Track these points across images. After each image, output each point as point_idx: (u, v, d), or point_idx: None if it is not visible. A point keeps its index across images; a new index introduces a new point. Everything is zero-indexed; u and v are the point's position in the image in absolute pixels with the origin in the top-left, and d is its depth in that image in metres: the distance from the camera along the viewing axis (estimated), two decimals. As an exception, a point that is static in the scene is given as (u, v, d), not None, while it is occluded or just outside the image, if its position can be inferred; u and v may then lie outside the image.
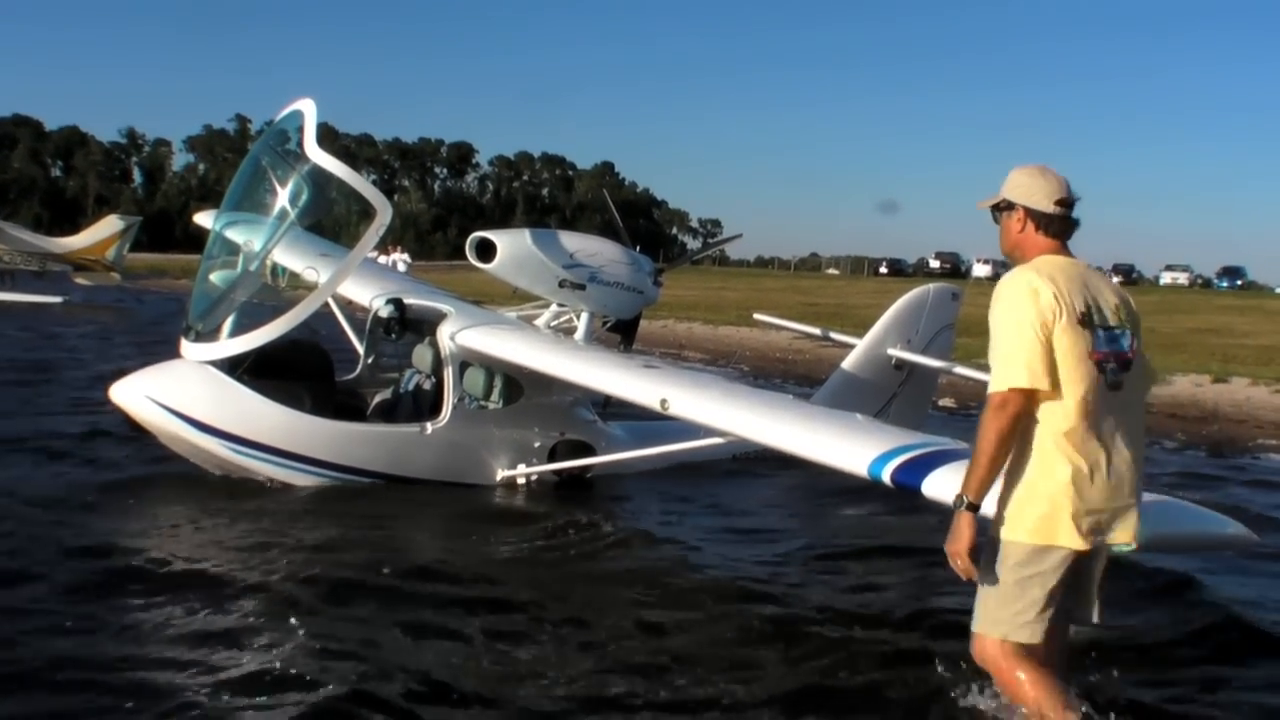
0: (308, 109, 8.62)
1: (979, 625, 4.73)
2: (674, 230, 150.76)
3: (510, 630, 6.22)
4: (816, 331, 14.02)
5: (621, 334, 10.48)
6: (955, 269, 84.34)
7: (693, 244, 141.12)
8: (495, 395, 9.30)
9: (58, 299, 29.53)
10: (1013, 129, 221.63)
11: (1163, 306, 45.08)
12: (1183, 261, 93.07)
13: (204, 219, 11.28)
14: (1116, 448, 4.62)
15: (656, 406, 7.88)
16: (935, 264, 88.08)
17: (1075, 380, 4.53)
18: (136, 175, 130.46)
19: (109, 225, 37.78)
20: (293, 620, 6.04)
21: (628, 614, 6.55)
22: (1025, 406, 4.52)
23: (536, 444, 9.53)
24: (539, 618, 6.44)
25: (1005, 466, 4.62)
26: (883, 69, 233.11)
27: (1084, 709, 4.73)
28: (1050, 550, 4.56)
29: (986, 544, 4.70)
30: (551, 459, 9.48)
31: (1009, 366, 4.53)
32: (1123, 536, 4.62)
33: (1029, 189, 4.82)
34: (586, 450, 9.68)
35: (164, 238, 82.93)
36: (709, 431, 8.19)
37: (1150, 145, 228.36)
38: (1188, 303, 49.45)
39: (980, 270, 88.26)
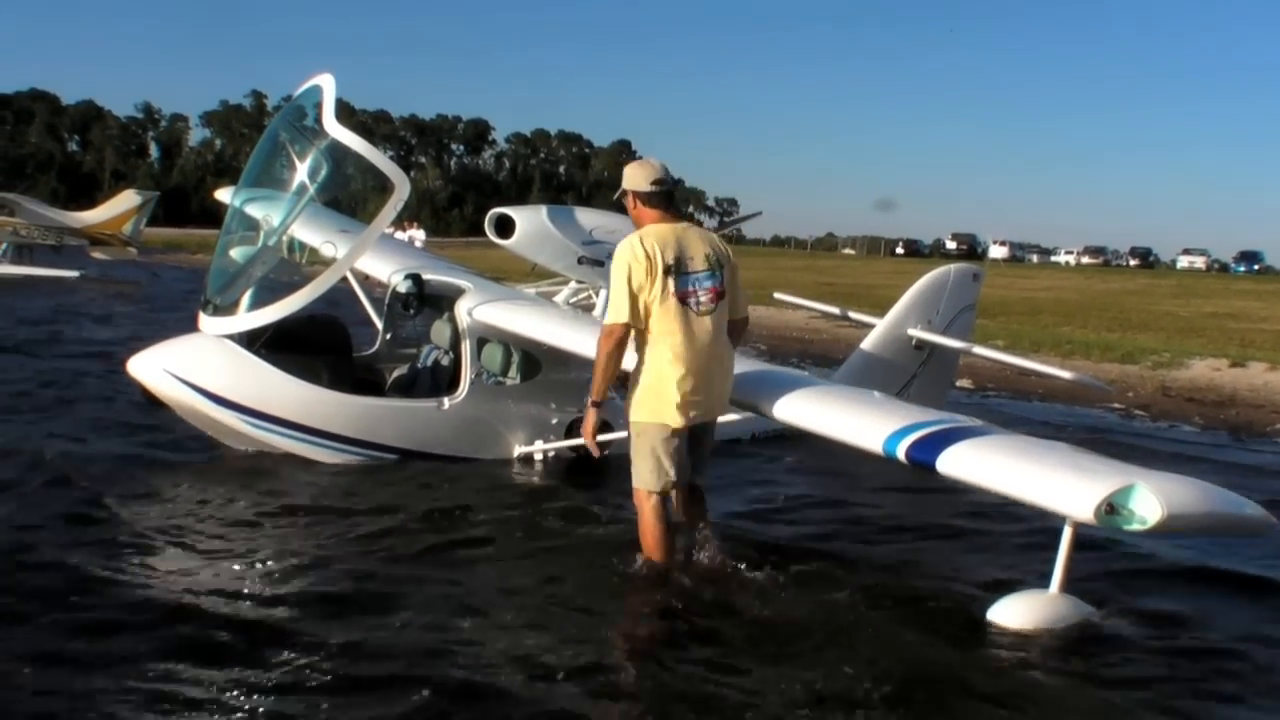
0: (327, 84, 8.60)
1: (633, 481, 6.56)
2: (691, 209, 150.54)
3: (535, 610, 6.24)
4: (836, 311, 13.96)
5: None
6: (972, 250, 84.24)
7: (709, 223, 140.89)
8: (513, 371, 9.31)
9: (74, 273, 29.61)
10: (1028, 110, 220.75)
11: (1180, 290, 44.96)
12: (1200, 245, 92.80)
13: (223, 194, 11.27)
14: (705, 356, 6.41)
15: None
16: (952, 245, 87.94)
17: (667, 310, 6.29)
18: (153, 150, 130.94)
19: (126, 200, 37.74)
20: (303, 606, 6.07)
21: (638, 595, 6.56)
22: (626, 334, 6.33)
23: (554, 420, 9.53)
24: (556, 596, 6.47)
25: (638, 373, 6.43)
26: (898, 48, 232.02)
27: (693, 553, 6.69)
28: (663, 427, 6.40)
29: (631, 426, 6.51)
30: (569, 435, 9.47)
31: (613, 307, 6.33)
32: (704, 418, 6.55)
33: (633, 178, 6.65)
34: (604, 427, 9.63)
35: (180, 212, 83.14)
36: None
37: (1168, 129, 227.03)
38: (1205, 287, 49.26)
39: (997, 251, 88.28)
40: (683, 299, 6.35)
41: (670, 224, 6.54)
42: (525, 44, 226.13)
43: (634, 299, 6.29)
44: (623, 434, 9.49)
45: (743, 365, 8.68)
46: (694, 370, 6.39)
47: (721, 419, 8.65)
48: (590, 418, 6.55)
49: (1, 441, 9.20)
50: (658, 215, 6.57)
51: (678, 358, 6.34)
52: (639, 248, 6.32)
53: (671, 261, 6.34)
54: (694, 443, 6.63)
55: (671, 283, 6.32)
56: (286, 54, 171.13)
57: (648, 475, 6.48)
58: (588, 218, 9.78)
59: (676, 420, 6.40)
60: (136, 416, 10.10)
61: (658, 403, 6.41)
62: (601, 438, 9.38)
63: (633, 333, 6.42)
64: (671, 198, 6.64)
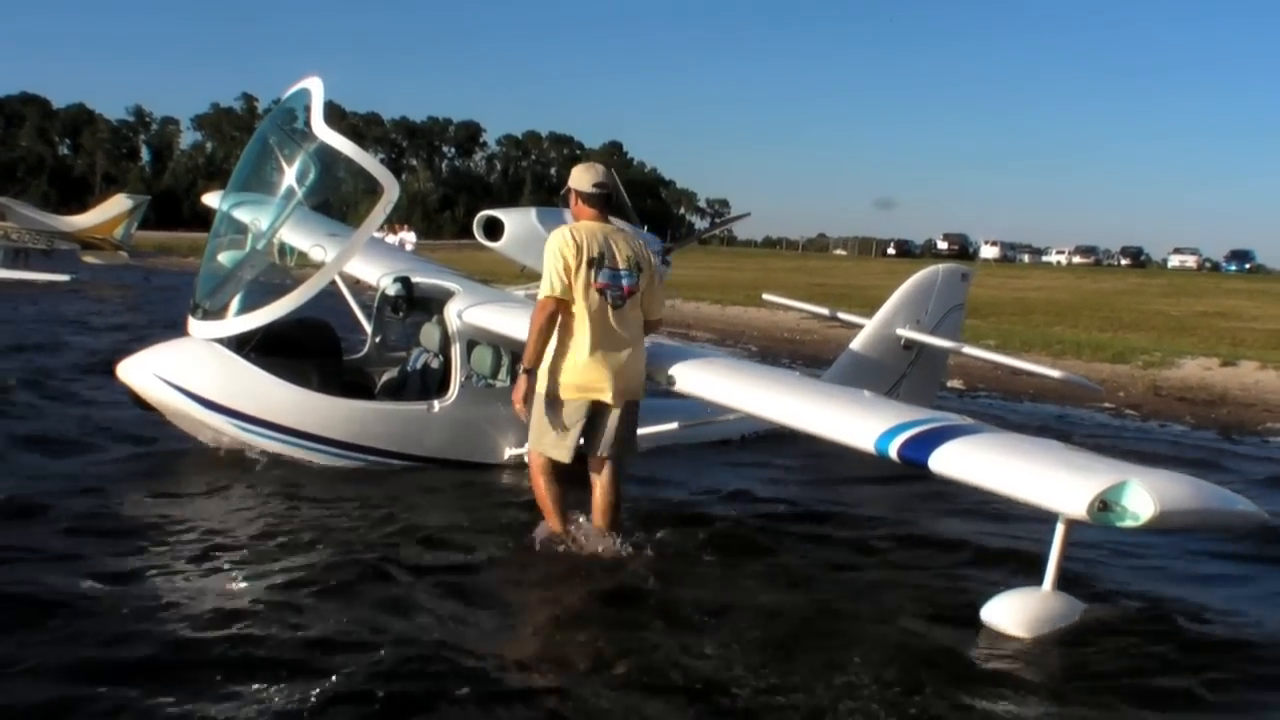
0: (315, 87, 8.58)
1: (530, 445, 7.27)
2: (682, 210, 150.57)
3: (524, 607, 6.23)
4: (825, 312, 13.97)
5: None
6: (963, 250, 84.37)
7: (701, 224, 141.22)
8: (503, 373, 9.28)
9: (65, 277, 29.55)
10: (1021, 110, 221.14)
11: (1171, 290, 45.06)
12: (1191, 244, 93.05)
13: (211, 199, 11.25)
14: (617, 342, 7.10)
15: (663, 382, 7.86)
16: (943, 245, 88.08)
17: (587, 299, 7.00)
18: (144, 153, 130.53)
19: (117, 204, 37.75)
20: (307, 601, 6.05)
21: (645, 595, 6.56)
22: (557, 308, 6.98)
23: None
24: (553, 597, 6.50)
25: (555, 348, 7.05)
26: (889, 49, 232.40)
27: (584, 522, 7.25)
28: (573, 401, 7.06)
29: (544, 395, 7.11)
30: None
31: (547, 282, 7.00)
32: (598, 397, 7.06)
33: (579, 179, 7.36)
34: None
35: (172, 216, 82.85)
36: (716, 408, 8.16)
37: (1159, 128, 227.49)
38: (1196, 286, 49.39)
39: (988, 252, 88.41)
40: (601, 290, 7.07)
41: (602, 224, 7.31)
42: (516, 46, 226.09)
43: (567, 278, 6.99)
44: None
45: (728, 363, 8.73)
46: (602, 355, 7.07)
47: (713, 419, 8.73)
48: (521, 384, 7.08)
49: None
50: (594, 214, 7.33)
51: (590, 341, 7.04)
52: (570, 236, 7.08)
53: (596, 255, 7.07)
54: (598, 422, 7.19)
55: (594, 274, 7.04)
56: (278, 57, 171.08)
57: (543, 440, 7.16)
58: (577, 220, 9.75)
59: (579, 396, 7.08)
60: (128, 425, 10.05)
61: (566, 378, 7.08)
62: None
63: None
64: (609, 200, 7.45)
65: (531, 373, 7.07)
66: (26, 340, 17.30)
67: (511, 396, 7.19)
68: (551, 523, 7.25)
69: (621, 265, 7.16)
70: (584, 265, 7.00)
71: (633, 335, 7.24)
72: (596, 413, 7.16)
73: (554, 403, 7.12)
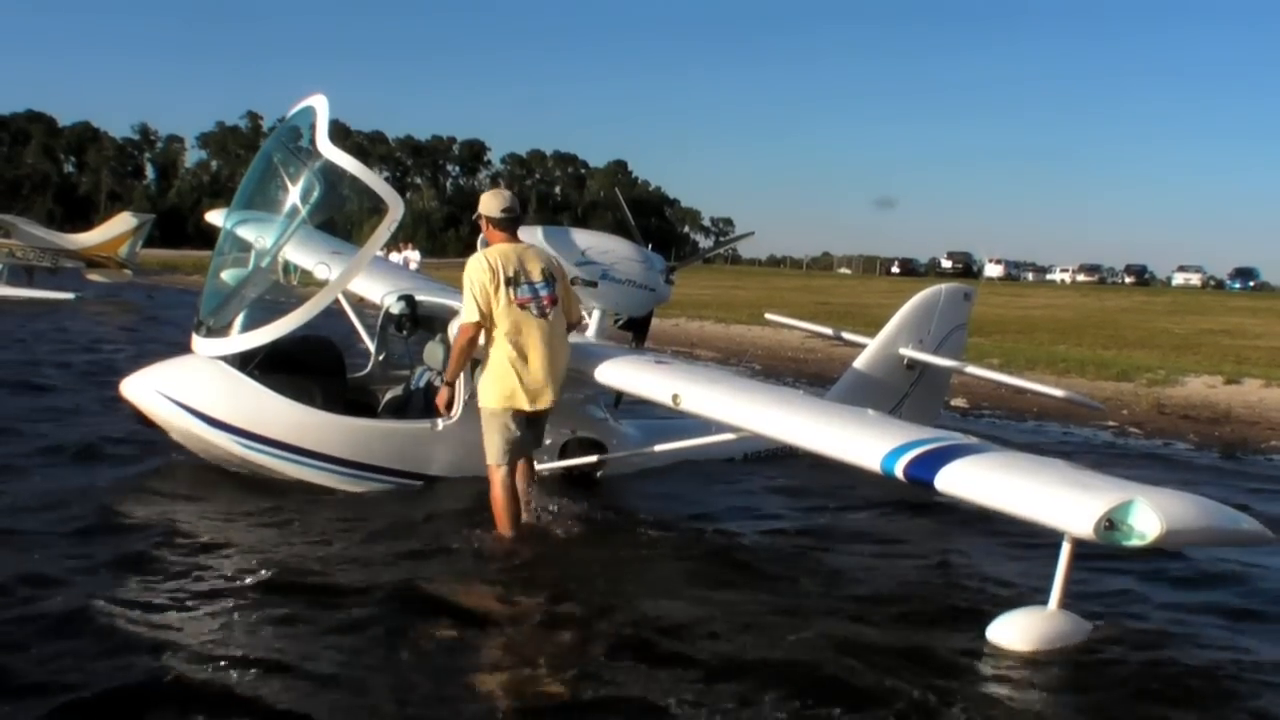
0: (320, 105, 8.59)
1: (489, 461, 7.80)
2: (686, 229, 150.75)
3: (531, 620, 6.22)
4: (828, 331, 13.97)
5: (633, 331, 10.44)
6: (968, 269, 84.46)
7: (705, 243, 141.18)
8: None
9: (70, 295, 29.58)
10: (1025, 128, 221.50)
11: (1175, 307, 45.05)
12: (1195, 262, 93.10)
13: (215, 217, 11.25)
14: (541, 352, 7.69)
15: (668, 402, 7.86)
16: (947, 264, 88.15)
17: (508, 315, 7.62)
18: (149, 171, 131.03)
19: (122, 222, 37.76)
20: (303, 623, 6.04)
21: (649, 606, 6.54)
22: (476, 331, 7.68)
23: (547, 441, 9.47)
24: (556, 609, 6.47)
25: (494, 367, 7.70)
26: (895, 68, 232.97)
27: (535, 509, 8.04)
28: (507, 411, 7.70)
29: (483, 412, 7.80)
30: (562, 456, 9.44)
31: (466, 309, 7.68)
32: (543, 404, 7.77)
33: (488, 205, 8.00)
34: (597, 448, 9.65)
35: (176, 234, 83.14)
36: (721, 428, 8.16)
37: (1163, 146, 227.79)
38: (1200, 304, 49.36)
39: (993, 270, 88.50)
40: (523, 305, 7.70)
41: (513, 244, 7.92)
42: (521, 64, 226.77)
43: (481, 303, 7.63)
44: (619, 454, 9.60)
45: (733, 382, 8.72)
46: (532, 364, 7.71)
47: (716, 438, 8.72)
48: (443, 393, 8.08)
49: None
50: (504, 237, 7.93)
51: (518, 354, 7.67)
52: (484, 262, 7.72)
53: (511, 274, 7.70)
54: (532, 423, 7.94)
55: (513, 291, 7.67)
56: (283, 76, 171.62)
57: (496, 451, 7.77)
58: (582, 238, 9.75)
59: (518, 404, 7.72)
60: (129, 437, 10.05)
61: (502, 389, 7.70)
62: (595, 459, 9.49)
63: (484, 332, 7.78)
64: (517, 223, 8.05)
65: (451, 385, 8.07)
66: (31, 357, 17.33)
67: (437, 403, 8.15)
68: (502, 529, 7.76)
69: (537, 279, 7.81)
70: (502, 285, 7.64)
71: (559, 340, 7.92)
72: (538, 417, 7.96)
73: (495, 415, 7.75)
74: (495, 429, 7.76)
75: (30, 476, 8.95)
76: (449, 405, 8.16)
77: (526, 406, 7.73)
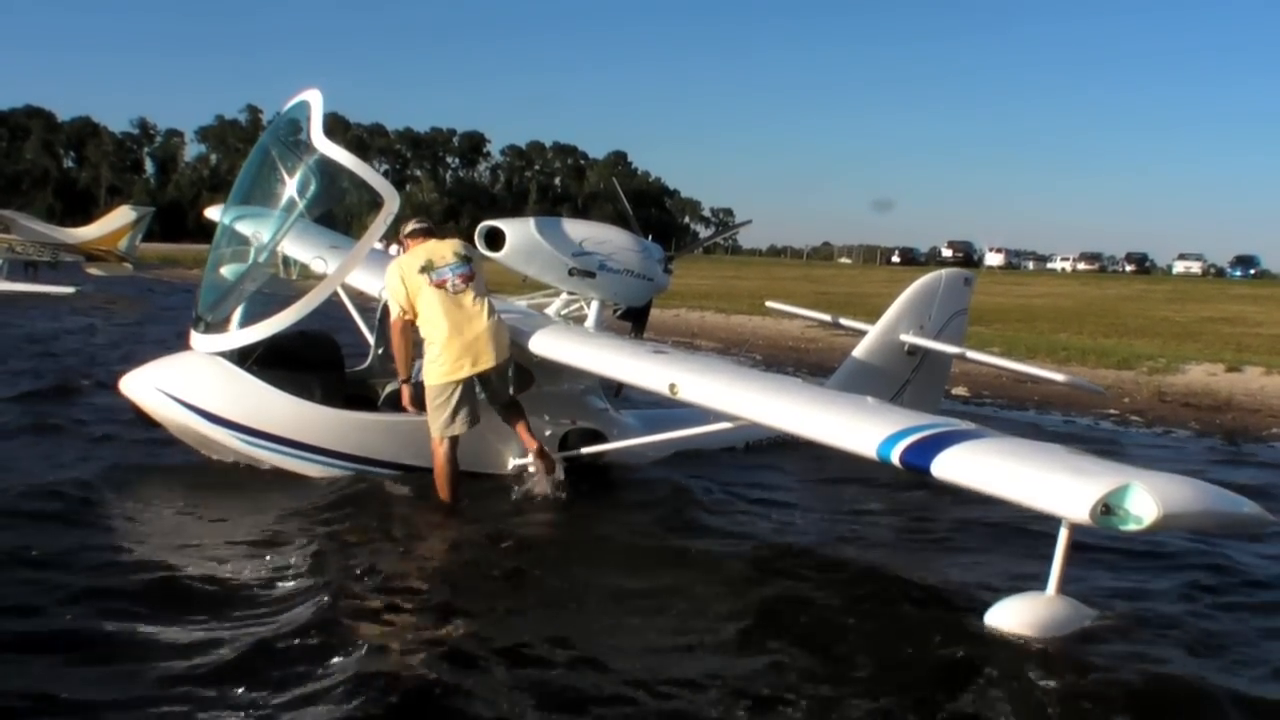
0: (314, 99, 8.60)
1: (434, 433, 8.41)
2: (686, 219, 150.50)
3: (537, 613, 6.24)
4: (827, 318, 13.97)
5: (632, 321, 10.44)
6: (968, 257, 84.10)
7: (705, 233, 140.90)
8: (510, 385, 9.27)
9: (70, 289, 29.56)
10: (1024, 116, 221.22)
11: (1176, 296, 44.96)
12: (1196, 250, 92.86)
13: (214, 212, 11.25)
14: (466, 319, 8.38)
15: (665, 391, 7.86)
16: (948, 252, 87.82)
17: (431, 298, 8.37)
18: (149, 166, 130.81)
19: (121, 216, 37.70)
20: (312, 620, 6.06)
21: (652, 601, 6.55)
22: (406, 324, 8.48)
23: (548, 432, 9.50)
24: (561, 602, 6.54)
25: (427, 350, 8.45)
26: (895, 56, 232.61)
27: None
28: (451, 384, 8.35)
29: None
30: (563, 447, 9.46)
31: (394, 307, 8.50)
32: (485, 363, 8.39)
33: (403, 230, 8.84)
34: (598, 438, 9.66)
35: (176, 228, 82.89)
36: (719, 417, 8.17)
37: (1164, 133, 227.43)
38: (1201, 292, 49.24)
39: (993, 259, 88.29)
40: (439, 285, 8.40)
41: (425, 243, 8.69)
42: (520, 55, 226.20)
43: (400, 300, 8.43)
44: (619, 445, 9.60)
45: (731, 371, 8.72)
46: (463, 331, 8.35)
47: (716, 427, 8.73)
48: (405, 392, 8.71)
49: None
50: (420, 241, 8.73)
51: (446, 330, 8.34)
52: (399, 263, 8.61)
53: (424, 263, 8.46)
54: (486, 387, 8.61)
55: (429, 276, 8.41)
56: (282, 69, 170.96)
57: (439, 425, 8.41)
58: (576, 229, 9.74)
59: (462, 372, 8.37)
60: (127, 433, 10.06)
61: (439, 366, 8.37)
62: (595, 449, 9.52)
63: (419, 320, 8.47)
64: (430, 232, 8.89)
65: (408, 382, 8.67)
66: (28, 353, 17.34)
67: (403, 403, 8.70)
68: (443, 494, 8.44)
69: (451, 260, 8.53)
70: (416, 275, 8.41)
71: (483, 310, 8.49)
72: (482, 380, 8.52)
73: (439, 391, 8.37)
74: (436, 403, 8.41)
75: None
76: (414, 401, 8.59)
77: (469, 369, 8.37)
